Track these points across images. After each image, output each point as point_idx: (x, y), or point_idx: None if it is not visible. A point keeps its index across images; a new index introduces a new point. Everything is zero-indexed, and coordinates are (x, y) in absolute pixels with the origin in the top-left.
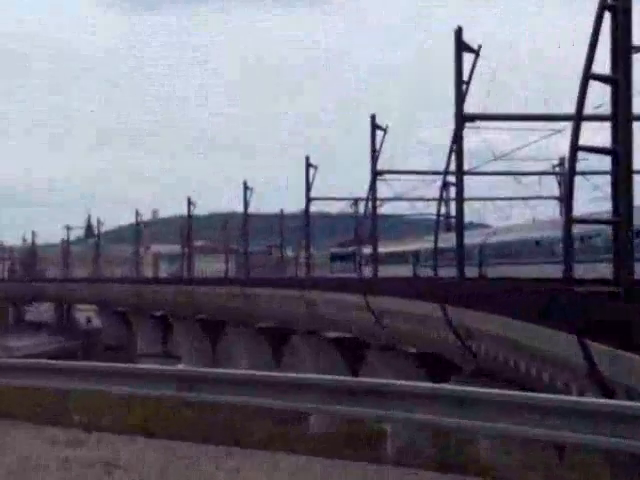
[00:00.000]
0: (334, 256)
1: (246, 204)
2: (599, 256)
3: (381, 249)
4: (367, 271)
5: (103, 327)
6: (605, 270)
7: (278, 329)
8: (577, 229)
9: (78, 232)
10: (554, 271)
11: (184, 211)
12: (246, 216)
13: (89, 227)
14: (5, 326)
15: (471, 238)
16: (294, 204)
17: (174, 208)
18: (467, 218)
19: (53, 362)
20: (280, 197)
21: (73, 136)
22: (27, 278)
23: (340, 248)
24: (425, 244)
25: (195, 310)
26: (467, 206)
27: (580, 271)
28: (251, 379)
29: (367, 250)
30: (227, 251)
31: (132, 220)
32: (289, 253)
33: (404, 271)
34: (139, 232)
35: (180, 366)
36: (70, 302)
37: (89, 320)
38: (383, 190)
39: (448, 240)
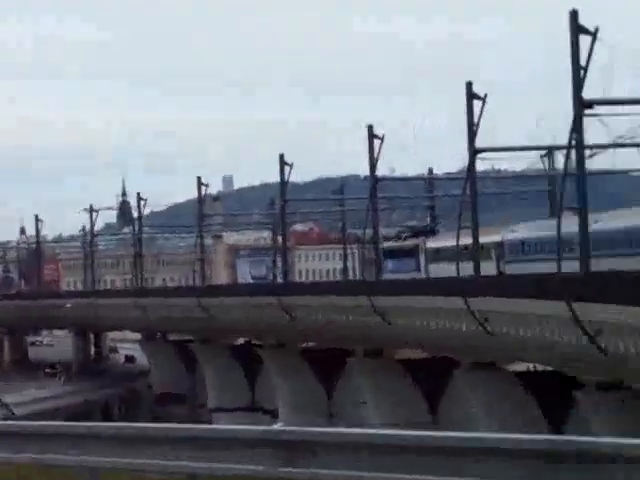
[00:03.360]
0: (387, 253)
1: (373, 162)
2: None
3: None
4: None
5: (152, 367)
6: None
7: (428, 360)
8: None
9: (107, 217)
10: None
11: (273, 177)
12: (374, 181)
13: (124, 207)
14: None
15: None
16: (448, 161)
17: (257, 174)
18: None
19: (73, 424)
20: (427, 150)
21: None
22: (30, 292)
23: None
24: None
25: (298, 335)
26: None
27: None
28: (392, 442)
29: (433, 244)
30: (345, 239)
31: (190, 195)
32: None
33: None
34: (205, 211)
35: (278, 425)
36: (98, 329)
37: (113, 349)
38: (594, 132)
39: None
